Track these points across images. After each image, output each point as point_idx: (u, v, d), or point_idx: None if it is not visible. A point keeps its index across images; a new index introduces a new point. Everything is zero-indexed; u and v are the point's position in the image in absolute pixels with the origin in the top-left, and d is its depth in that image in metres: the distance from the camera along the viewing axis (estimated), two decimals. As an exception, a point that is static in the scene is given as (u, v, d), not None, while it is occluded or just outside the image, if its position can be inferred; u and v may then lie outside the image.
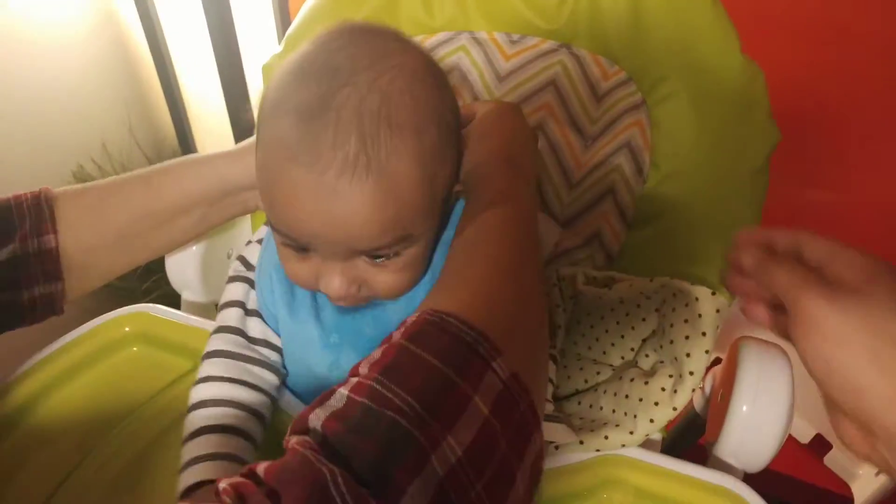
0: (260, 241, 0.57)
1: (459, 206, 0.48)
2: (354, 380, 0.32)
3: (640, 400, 0.51)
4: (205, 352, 0.54)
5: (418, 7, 0.70)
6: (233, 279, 0.56)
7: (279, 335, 0.55)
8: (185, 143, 1.37)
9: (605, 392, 0.52)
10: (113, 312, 0.67)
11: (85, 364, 0.64)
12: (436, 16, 0.70)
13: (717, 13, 0.63)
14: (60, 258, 0.53)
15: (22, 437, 0.57)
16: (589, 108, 0.66)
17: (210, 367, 0.53)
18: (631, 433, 0.47)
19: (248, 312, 0.55)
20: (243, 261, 0.57)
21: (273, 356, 0.55)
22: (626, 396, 0.52)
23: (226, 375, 0.52)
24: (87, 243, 0.55)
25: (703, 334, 0.46)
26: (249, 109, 1.25)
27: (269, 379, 0.54)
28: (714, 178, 0.59)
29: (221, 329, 0.54)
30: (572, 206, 0.65)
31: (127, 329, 0.66)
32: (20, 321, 0.54)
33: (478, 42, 0.70)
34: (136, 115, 1.34)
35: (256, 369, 0.53)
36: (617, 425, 0.48)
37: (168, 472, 0.49)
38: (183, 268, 0.73)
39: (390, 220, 0.40)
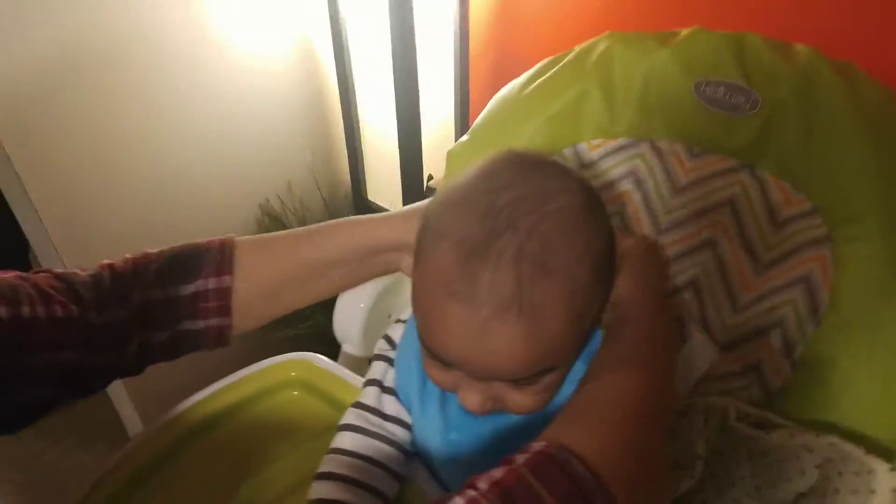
0: (404, 321, 0.61)
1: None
2: (471, 493, 0.33)
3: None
4: (340, 423, 0.59)
5: (602, 111, 0.72)
6: (377, 357, 0.62)
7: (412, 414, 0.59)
8: (358, 190, 1.48)
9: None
10: (282, 356, 0.74)
11: (251, 399, 0.71)
12: (618, 121, 0.72)
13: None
14: (232, 297, 0.60)
15: (187, 458, 0.65)
16: (766, 234, 0.64)
17: (343, 439, 0.58)
18: None
19: (385, 390, 0.60)
20: (388, 339, 0.62)
21: (402, 434, 0.59)
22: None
23: (356, 451, 0.57)
24: (255, 287, 0.62)
25: (872, 512, 0.43)
26: (421, 177, 1.33)
27: (395, 456, 0.58)
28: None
29: (359, 405, 0.60)
30: (735, 330, 0.63)
31: (293, 374, 0.73)
32: (197, 347, 0.61)
33: (658, 152, 0.71)
34: (320, 160, 1.47)
35: (384, 446, 0.57)
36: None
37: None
38: (349, 323, 0.80)
39: (536, 357, 0.41)
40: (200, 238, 0.63)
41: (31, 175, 1.00)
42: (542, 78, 0.74)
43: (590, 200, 0.45)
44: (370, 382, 0.61)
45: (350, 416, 0.60)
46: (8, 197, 1.03)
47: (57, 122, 1.01)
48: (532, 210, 0.41)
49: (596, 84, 0.71)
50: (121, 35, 1.04)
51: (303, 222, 1.42)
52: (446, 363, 0.45)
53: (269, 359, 0.74)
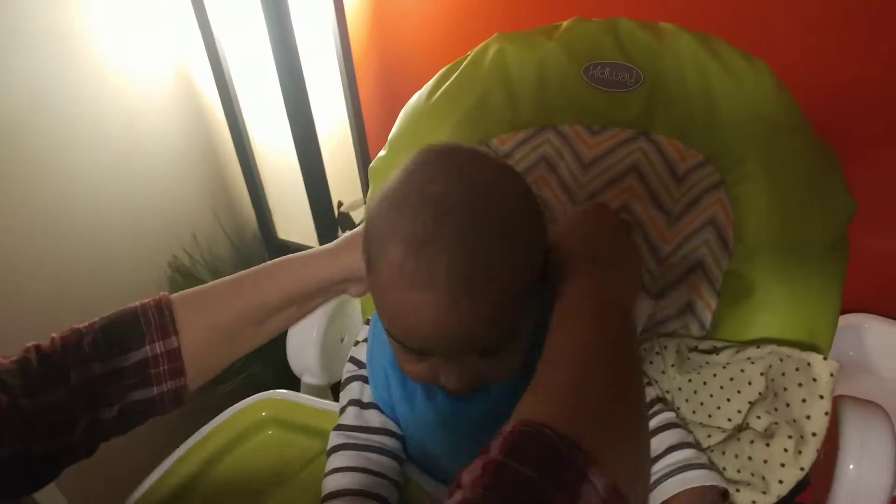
0: (364, 341, 0.64)
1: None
2: (458, 495, 0.34)
3: (765, 461, 0.55)
4: (328, 447, 0.61)
5: (505, 107, 0.78)
6: (348, 380, 0.64)
7: (398, 422, 0.61)
8: (267, 229, 1.47)
9: (723, 453, 0.57)
10: (249, 399, 0.74)
11: (227, 448, 0.70)
12: (521, 114, 0.78)
13: (783, 96, 0.69)
14: (182, 356, 0.60)
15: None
16: (671, 188, 0.72)
17: (336, 460, 0.60)
18: (764, 493, 0.51)
19: (364, 406, 0.63)
20: (354, 361, 0.65)
21: (392, 443, 0.62)
22: (749, 458, 0.56)
23: (351, 465, 0.59)
24: (203, 340, 0.62)
25: (821, 397, 0.51)
26: (330, 204, 1.34)
27: (389, 465, 0.60)
28: (796, 251, 0.64)
29: (341, 427, 0.62)
30: (662, 279, 0.71)
31: (263, 414, 0.73)
32: (152, 414, 0.61)
33: (562, 135, 0.77)
34: (221, 204, 1.45)
35: (375, 456, 0.60)
36: (748, 484, 0.52)
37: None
38: (303, 355, 0.81)
39: (497, 325, 0.46)
40: (111, 305, 0.61)
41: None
42: (445, 85, 0.79)
43: (507, 172, 0.50)
44: (350, 403, 0.63)
45: (336, 439, 0.62)
46: None
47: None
48: (465, 192, 0.45)
49: (495, 83, 0.77)
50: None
51: (215, 273, 1.39)
52: (420, 352, 0.48)
53: (234, 406, 0.74)
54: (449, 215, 0.44)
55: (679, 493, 0.53)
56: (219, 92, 1.28)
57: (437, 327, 0.45)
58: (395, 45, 1.30)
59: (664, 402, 0.63)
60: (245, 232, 1.52)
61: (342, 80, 1.29)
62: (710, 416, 0.62)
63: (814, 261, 0.64)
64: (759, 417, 0.58)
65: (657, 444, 0.57)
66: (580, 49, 0.76)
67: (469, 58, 0.80)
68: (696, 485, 0.53)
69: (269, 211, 1.46)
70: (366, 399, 0.63)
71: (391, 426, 0.62)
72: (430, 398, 0.57)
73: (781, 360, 0.55)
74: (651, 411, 0.60)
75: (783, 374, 0.54)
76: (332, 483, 0.59)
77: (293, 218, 1.43)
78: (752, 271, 0.65)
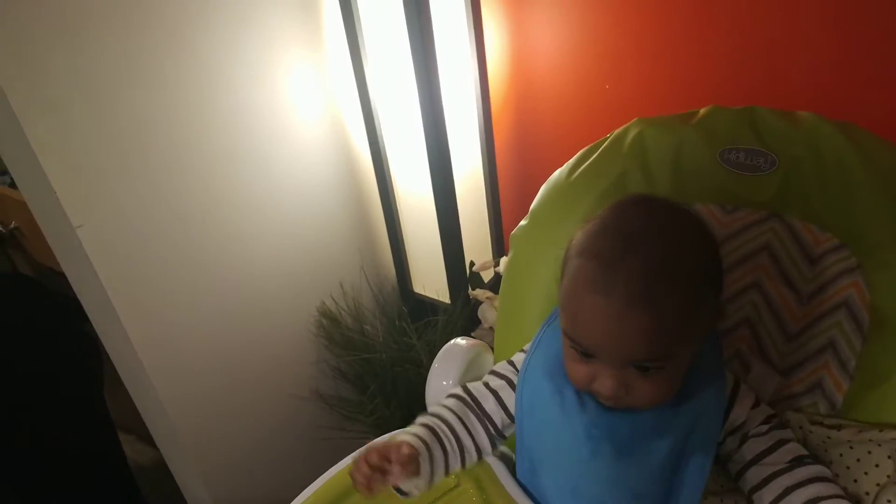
0: (523, 351, 0.74)
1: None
2: None
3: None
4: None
5: (642, 186, 0.84)
6: (498, 375, 0.76)
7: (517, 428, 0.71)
8: (404, 284, 1.59)
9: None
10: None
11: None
12: (657, 191, 0.84)
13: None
14: None
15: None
16: (803, 269, 0.75)
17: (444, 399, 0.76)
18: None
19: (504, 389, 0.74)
20: (510, 362, 0.75)
21: (500, 421, 0.73)
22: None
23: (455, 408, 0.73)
24: None
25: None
26: (463, 265, 1.44)
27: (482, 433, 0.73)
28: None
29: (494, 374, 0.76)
30: (791, 356, 0.73)
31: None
32: None
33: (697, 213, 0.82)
34: (367, 257, 1.59)
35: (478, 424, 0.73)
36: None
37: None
38: (440, 399, 0.88)
39: (659, 342, 0.55)
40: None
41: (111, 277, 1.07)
42: (585, 164, 0.87)
43: (702, 229, 0.61)
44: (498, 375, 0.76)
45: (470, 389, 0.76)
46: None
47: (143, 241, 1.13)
48: (657, 231, 0.57)
49: (634, 164, 0.84)
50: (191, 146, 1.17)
51: (358, 320, 1.52)
52: (587, 352, 0.58)
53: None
54: (640, 245, 0.55)
55: None
56: (370, 147, 1.43)
57: (605, 332, 0.55)
58: (532, 113, 1.41)
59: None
60: (385, 284, 1.65)
61: (481, 144, 1.40)
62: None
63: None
64: (889, 501, 0.58)
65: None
66: (716, 134, 0.82)
67: (609, 139, 0.88)
68: None
69: (407, 265, 1.58)
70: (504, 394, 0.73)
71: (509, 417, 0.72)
72: (580, 402, 0.64)
73: (911, 443, 0.56)
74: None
75: (911, 460, 0.55)
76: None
77: (429, 273, 1.54)
78: (887, 356, 0.66)
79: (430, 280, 1.55)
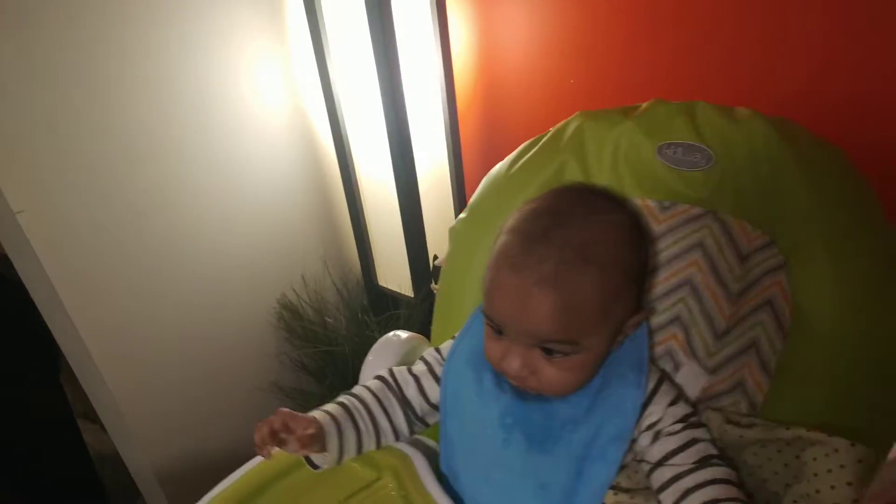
0: (452, 338, 0.75)
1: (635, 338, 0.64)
2: None
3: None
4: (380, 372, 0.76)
5: (579, 179, 0.84)
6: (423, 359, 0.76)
7: (441, 414, 0.72)
8: (369, 277, 1.58)
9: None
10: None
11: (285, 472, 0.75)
12: (594, 183, 0.83)
13: (856, 181, 0.70)
14: None
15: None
16: (734, 267, 0.74)
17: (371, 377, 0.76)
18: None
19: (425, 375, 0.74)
20: (437, 350, 0.76)
21: (419, 408, 0.74)
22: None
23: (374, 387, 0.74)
24: None
25: (849, 483, 0.51)
26: (427, 258, 1.43)
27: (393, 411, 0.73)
28: (851, 341, 0.63)
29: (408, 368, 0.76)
30: (718, 354, 0.72)
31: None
32: None
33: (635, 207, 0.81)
34: (330, 251, 1.58)
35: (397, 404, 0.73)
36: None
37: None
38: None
39: (563, 324, 0.55)
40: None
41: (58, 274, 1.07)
42: (525, 157, 0.86)
43: (633, 222, 0.61)
44: (422, 360, 0.76)
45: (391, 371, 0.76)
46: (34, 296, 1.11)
47: (91, 222, 1.11)
48: (584, 217, 0.57)
49: (572, 156, 0.83)
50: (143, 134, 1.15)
51: (319, 313, 1.52)
52: (498, 327, 0.59)
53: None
54: (562, 228, 0.56)
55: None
56: (333, 139, 1.43)
57: (514, 307, 0.56)
58: (499, 107, 1.39)
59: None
60: (349, 277, 1.64)
61: (446, 138, 1.40)
62: (751, 495, 0.62)
63: (878, 349, 0.64)
64: (794, 502, 0.58)
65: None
66: (656, 128, 0.81)
67: (549, 133, 0.87)
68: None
69: (371, 258, 1.57)
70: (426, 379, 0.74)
71: (432, 400, 0.73)
72: (498, 389, 0.65)
73: (811, 444, 0.55)
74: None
75: (814, 459, 0.54)
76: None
77: (393, 267, 1.53)
78: (805, 357, 0.66)
79: (394, 273, 1.54)
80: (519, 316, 0.56)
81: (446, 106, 1.36)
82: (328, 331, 1.48)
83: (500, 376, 0.65)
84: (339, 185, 1.50)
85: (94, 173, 1.08)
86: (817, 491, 0.53)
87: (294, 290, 1.50)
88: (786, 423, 0.59)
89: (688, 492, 0.58)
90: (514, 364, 0.58)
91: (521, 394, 0.64)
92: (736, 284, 0.73)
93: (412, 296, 1.50)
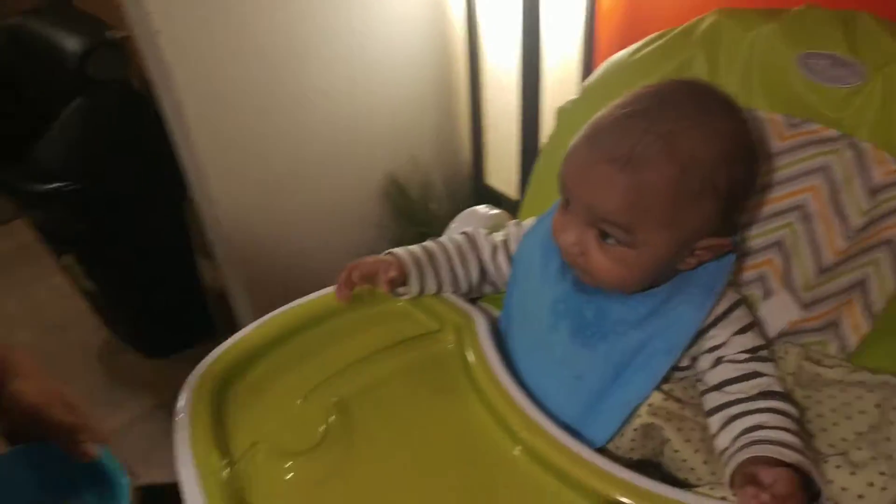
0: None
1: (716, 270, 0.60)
2: None
3: (844, 489, 0.51)
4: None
5: (706, 76, 0.75)
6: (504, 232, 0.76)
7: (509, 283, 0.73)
8: (478, 176, 1.58)
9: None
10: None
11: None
12: (720, 85, 0.75)
13: None
14: None
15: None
16: (860, 201, 0.66)
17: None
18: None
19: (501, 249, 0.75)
20: (518, 224, 0.76)
21: (490, 273, 0.75)
22: (830, 481, 0.52)
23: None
24: None
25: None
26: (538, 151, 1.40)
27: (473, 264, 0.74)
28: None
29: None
30: (817, 289, 0.65)
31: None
32: None
33: (755, 120, 0.73)
34: (443, 138, 1.58)
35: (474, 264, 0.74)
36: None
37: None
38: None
39: (622, 206, 0.53)
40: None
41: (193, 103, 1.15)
42: (651, 46, 0.79)
43: (740, 135, 0.57)
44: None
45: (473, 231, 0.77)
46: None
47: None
48: (687, 113, 0.54)
49: (701, 52, 0.75)
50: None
51: (423, 197, 1.53)
52: (567, 199, 0.58)
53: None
54: (657, 114, 0.54)
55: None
56: (467, 19, 1.39)
57: (580, 178, 0.56)
58: (640, 10, 1.29)
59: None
60: (458, 169, 1.64)
61: (583, 36, 1.32)
62: (812, 436, 0.57)
63: None
64: (859, 449, 0.53)
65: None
66: (801, 35, 0.71)
67: (682, 27, 0.79)
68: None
69: (483, 154, 1.56)
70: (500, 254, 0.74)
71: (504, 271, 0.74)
72: (560, 275, 0.64)
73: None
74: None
75: (894, 408, 0.49)
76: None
77: (502, 167, 1.51)
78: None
79: (503, 173, 1.52)
80: (582, 186, 0.56)
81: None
82: (430, 215, 1.50)
83: (566, 264, 0.63)
84: (463, 74, 1.47)
85: (230, 16, 1.12)
86: (887, 439, 0.48)
87: (403, 169, 1.53)
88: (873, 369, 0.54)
89: (735, 417, 0.54)
90: (569, 237, 0.58)
91: (581, 286, 0.62)
92: (859, 219, 0.65)
93: (518, 199, 1.48)
